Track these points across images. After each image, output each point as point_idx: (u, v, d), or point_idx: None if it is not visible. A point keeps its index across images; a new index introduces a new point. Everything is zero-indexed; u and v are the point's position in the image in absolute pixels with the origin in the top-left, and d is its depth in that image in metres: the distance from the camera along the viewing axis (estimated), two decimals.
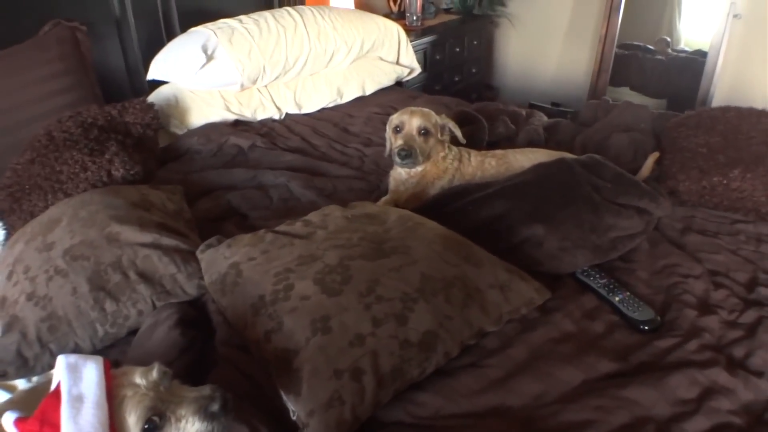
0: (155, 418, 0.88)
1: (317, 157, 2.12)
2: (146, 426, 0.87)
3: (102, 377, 0.87)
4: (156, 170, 2.02)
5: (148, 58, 2.56)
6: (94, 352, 1.37)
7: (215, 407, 0.92)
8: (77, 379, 0.87)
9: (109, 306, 1.37)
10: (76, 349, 1.37)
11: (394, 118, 1.92)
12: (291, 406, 1.12)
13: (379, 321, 1.17)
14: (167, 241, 1.47)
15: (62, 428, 0.82)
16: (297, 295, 1.20)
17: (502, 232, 1.61)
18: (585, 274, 1.55)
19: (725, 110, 2.10)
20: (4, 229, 1.94)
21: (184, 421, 0.90)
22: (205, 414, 0.91)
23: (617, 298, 1.45)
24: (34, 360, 1.37)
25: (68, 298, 1.37)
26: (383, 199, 1.94)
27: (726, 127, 2.00)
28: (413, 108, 1.94)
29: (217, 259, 1.37)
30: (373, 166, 2.11)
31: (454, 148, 1.95)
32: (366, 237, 1.34)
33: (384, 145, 2.05)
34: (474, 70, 4.00)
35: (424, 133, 1.87)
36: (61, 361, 0.89)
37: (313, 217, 1.45)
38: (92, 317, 1.36)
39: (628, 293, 1.46)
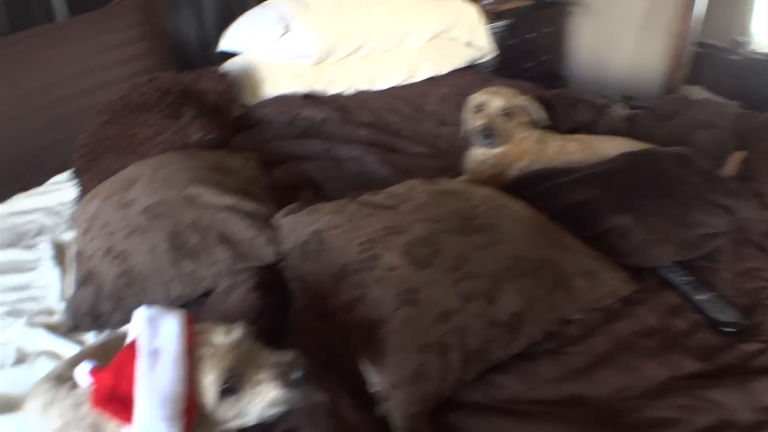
0: (233, 380, 0.84)
1: (391, 134, 2.08)
2: (223, 387, 0.83)
3: (182, 332, 0.84)
4: (229, 139, 2.00)
5: (220, 29, 2.55)
6: None
7: (297, 375, 0.87)
8: (156, 332, 0.84)
9: (187, 266, 1.35)
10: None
11: (476, 97, 1.87)
12: (372, 377, 1.08)
13: (467, 298, 1.12)
14: (246, 205, 1.45)
15: (137, 382, 0.80)
16: (383, 265, 1.15)
17: (585, 219, 1.53)
18: (668, 270, 1.46)
19: None
20: (79, 186, 1.96)
21: (262, 386, 0.85)
22: (285, 381, 0.86)
23: (701, 297, 1.36)
24: (107, 315, 1.37)
25: (146, 255, 1.36)
26: (460, 179, 1.89)
27: None
28: (495, 87, 1.88)
29: (298, 225, 1.34)
30: (447, 146, 2.05)
31: (536, 131, 1.88)
32: (453, 212, 1.28)
33: (459, 126, 1.99)
34: (544, 58, 3.88)
35: (506, 113, 1.81)
36: (142, 313, 0.87)
37: (396, 189, 1.41)
38: (169, 276, 1.35)
39: (712, 293, 1.37)
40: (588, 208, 1.54)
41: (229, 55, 2.56)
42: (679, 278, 1.43)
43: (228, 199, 1.45)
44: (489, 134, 1.76)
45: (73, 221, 1.72)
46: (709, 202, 1.55)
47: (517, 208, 1.39)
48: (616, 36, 4.00)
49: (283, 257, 1.38)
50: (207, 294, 1.36)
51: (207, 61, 2.61)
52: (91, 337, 1.43)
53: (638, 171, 1.60)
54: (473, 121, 1.84)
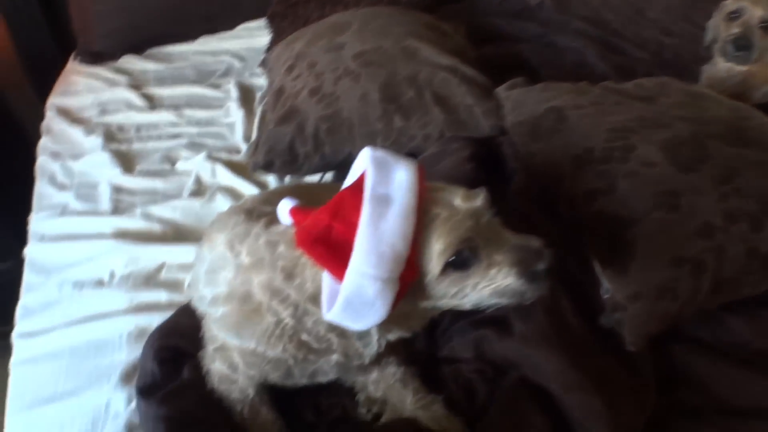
0: (465, 254, 0.69)
1: (610, 33, 1.83)
2: (452, 259, 0.69)
3: (414, 183, 0.69)
4: (437, 7, 1.84)
5: None
6: None
7: (540, 267, 0.71)
8: (385, 178, 0.69)
9: (398, 121, 1.24)
10: (350, 159, 1.27)
11: (731, 3, 1.58)
12: (605, 281, 0.94)
13: (733, 217, 0.94)
14: (467, 69, 1.31)
15: (360, 229, 0.66)
16: (639, 159, 0.99)
17: None
18: None
19: None
20: (273, 31, 1.90)
21: (496, 270, 0.70)
22: (525, 270, 0.70)
23: None
24: (304, 156, 1.30)
25: (356, 102, 1.27)
26: None
27: None
28: None
29: (529, 99, 1.19)
30: (673, 57, 1.79)
31: None
32: (719, 119, 1.08)
33: (685, 39, 1.73)
34: None
35: (766, 26, 1.52)
36: (368, 153, 0.72)
37: (646, 82, 1.21)
38: (376, 128, 1.25)
39: None
40: None
41: None
42: None
43: (448, 60, 1.31)
44: (744, 45, 1.49)
45: (269, 60, 1.66)
46: None
47: None
48: None
49: (499, 133, 1.24)
50: (409, 155, 1.25)
51: None
52: (273, 182, 1.39)
53: None
54: (724, 30, 1.56)
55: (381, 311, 0.67)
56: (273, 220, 0.79)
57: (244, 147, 1.52)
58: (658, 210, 0.93)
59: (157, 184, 1.43)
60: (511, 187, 1.12)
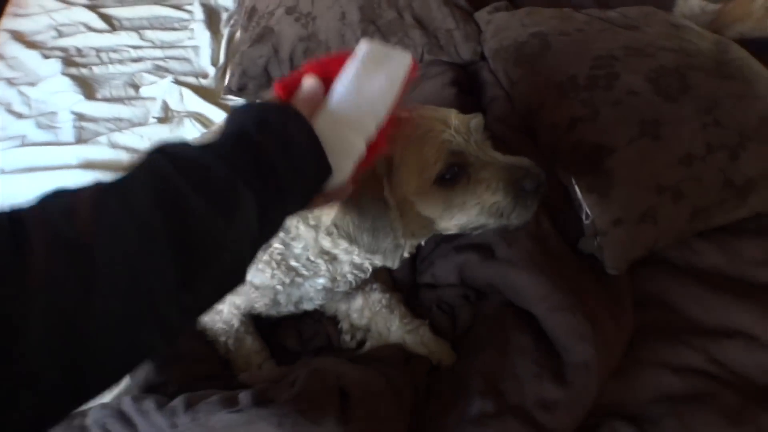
0: (455, 169, 0.68)
1: None
2: (439, 173, 0.68)
3: (409, 63, 0.63)
4: None
5: None
6: None
7: (529, 185, 0.70)
8: (379, 53, 0.62)
9: None
10: None
11: None
12: (586, 206, 0.95)
13: (712, 147, 0.96)
14: None
15: (341, 78, 0.59)
16: (623, 87, 0.98)
17: None
18: None
19: None
20: None
21: (484, 186, 0.70)
22: (514, 186, 0.70)
23: None
24: None
25: (334, 23, 1.22)
26: None
27: None
28: None
29: (512, 24, 1.16)
30: None
31: None
32: (702, 51, 1.08)
33: None
34: None
35: None
36: (364, 41, 0.64)
37: (630, 11, 1.19)
38: None
39: None
40: None
41: None
42: None
43: None
44: None
45: None
46: None
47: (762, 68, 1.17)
48: None
49: (480, 58, 1.21)
50: None
51: None
52: None
53: None
54: None
55: (344, 170, 0.57)
56: None
57: (211, 71, 1.45)
58: (642, 138, 0.93)
59: (122, 110, 1.36)
60: (490, 113, 1.10)
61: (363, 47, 0.62)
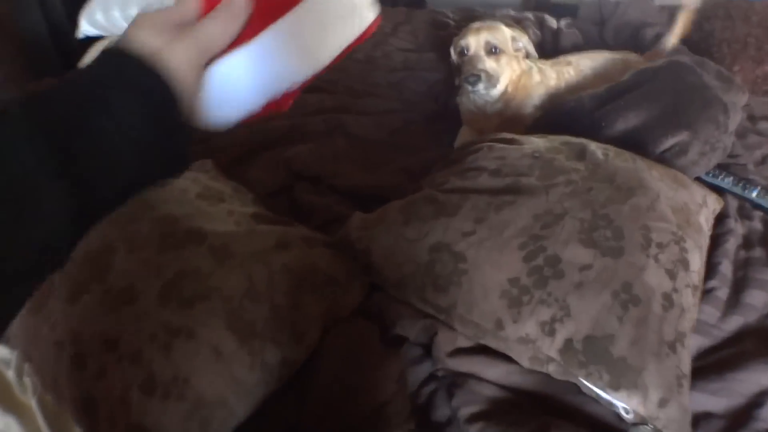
0: None
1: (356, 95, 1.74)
2: None
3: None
4: None
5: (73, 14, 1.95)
6: None
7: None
8: None
9: None
10: None
11: (457, 40, 1.60)
12: (620, 405, 0.83)
13: (673, 273, 0.92)
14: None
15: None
16: (571, 266, 0.88)
17: (642, 144, 1.39)
18: (712, 175, 1.46)
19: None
20: None
21: None
22: None
23: (754, 194, 1.40)
24: None
25: None
26: (461, 131, 1.64)
27: (761, 17, 1.99)
28: (477, 24, 1.62)
29: (399, 241, 0.99)
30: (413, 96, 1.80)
31: (530, 62, 1.67)
32: (588, 175, 1.03)
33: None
34: None
35: (495, 51, 1.55)
36: None
37: (487, 163, 1.09)
38: None
39: (759, 186, 1.40)
40: (643, 132, 1.41)
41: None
42: (724, 181, 1.44)
43: None
44: (475, 81, 1.51)
45: None
46: (725, 102, 1.51)
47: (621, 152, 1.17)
48: None
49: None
50: None
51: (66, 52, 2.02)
52: None
53: (678, 84, 1.48)
54: (460, 66, 1.59)
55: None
56: None
57: None
58: (626, 312, 0.85)
59: None
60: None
61: None
